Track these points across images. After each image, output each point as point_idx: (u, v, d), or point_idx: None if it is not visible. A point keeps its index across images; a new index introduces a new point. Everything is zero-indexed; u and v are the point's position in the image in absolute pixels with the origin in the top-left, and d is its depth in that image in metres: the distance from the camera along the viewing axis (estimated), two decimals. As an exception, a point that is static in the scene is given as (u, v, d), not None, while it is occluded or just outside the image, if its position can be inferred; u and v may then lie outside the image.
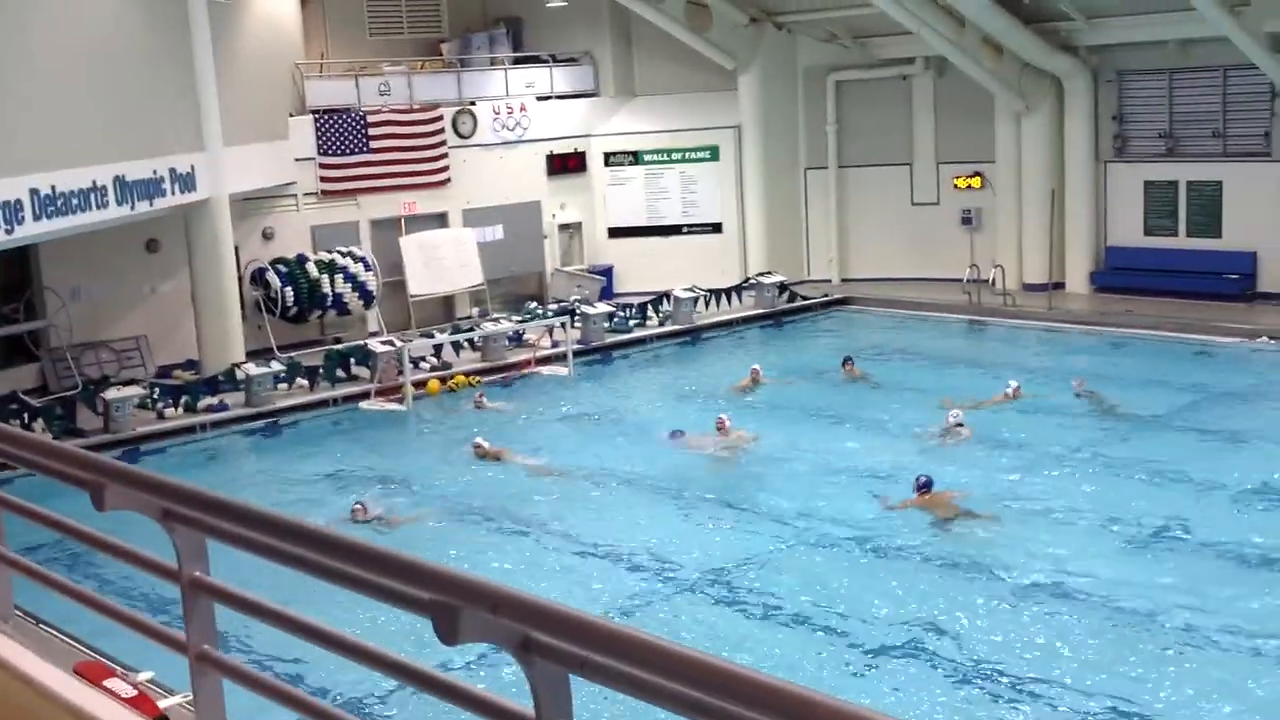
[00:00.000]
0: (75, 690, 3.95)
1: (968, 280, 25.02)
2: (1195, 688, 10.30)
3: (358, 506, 15.22)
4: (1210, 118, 24.35)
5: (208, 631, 3.70)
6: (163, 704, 8.12)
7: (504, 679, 9.45)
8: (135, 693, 8.22)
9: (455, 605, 2.75)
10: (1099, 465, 15.94)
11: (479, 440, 17.71)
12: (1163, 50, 24.17)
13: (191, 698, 3.88)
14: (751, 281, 26.39)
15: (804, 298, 26.47)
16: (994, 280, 25.14)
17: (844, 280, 28.01)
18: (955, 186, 27.19)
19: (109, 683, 8.05)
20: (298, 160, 24.47)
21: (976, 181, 26.89)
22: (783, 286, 26.19)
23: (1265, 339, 21.31)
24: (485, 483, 16.70)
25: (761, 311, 25.79)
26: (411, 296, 25.77)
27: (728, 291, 25.82)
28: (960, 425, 17.14)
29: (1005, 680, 10.57)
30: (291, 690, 3.62)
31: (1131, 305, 23.75)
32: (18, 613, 10.09)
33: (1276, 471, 15.14)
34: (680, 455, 17.33)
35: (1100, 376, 19.59)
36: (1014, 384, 18.77)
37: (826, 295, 26.89)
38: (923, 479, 14.74)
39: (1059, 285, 25.30)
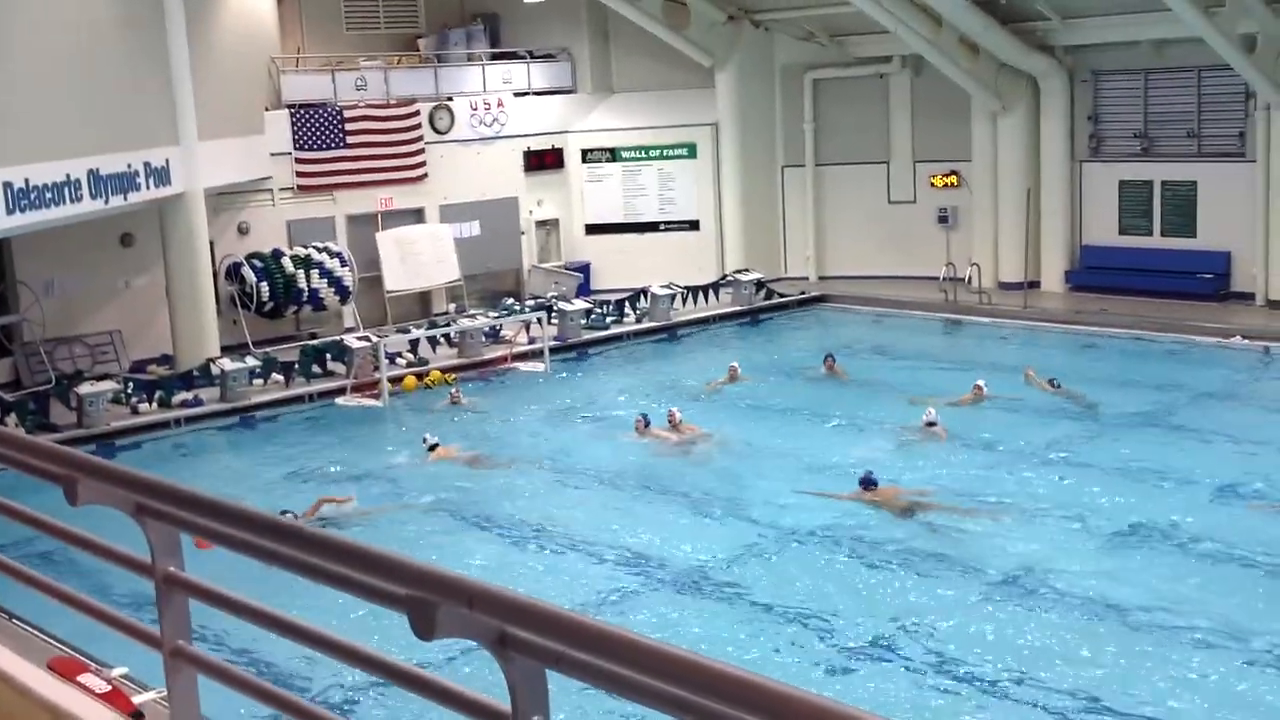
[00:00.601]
0: (49, 686, 3.92)
1: (944, 278, 25.11)
2: (1165, 683, 10.36)
3: (286, 514, 14.70)
4: (1185, 118, 24.50)
5: (182, 627, 3.68)
6: (137, 700, 8.08)
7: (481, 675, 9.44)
8: (109, 688, 8.17)
9: (431, 601, 2.74)
10: (1072, 463, 16.03)
11: (429, 437, 17.56)
12: (1138, 50, 24.29)
13: (166, 694, 3.86)
14: (729, 279, 26.41)
15: (781, 295, 26.51)
16: (970, 278, 25.23)
17: (821, 278, 28.07)
18: (932, 185, 27.28)
19: (82, 678, 8.00)
20: (273, 155, 24.37)
21: (953, 180, 27.00)
22: (760, 284, 26.22)
23: (1238, 338, 21.44)
24: (455, 479, 16.66)
25: (739, 309, 25.82)
26: (388, 292, 25.70)
27: (705, 289, 25.83)
28: (934, 424, 17.19)
29: (979, 677, 10.61)
30: (267, 685, 3.60)
31: (1106, 304, 23.87)
32: (-11, 608, 10.03)
33: (1249, 469, 15.25)
34: (652, 452, 17.35)
35: (1075, 375, 19.69)
36: (980, 383, 18.84)
37: (803, 293, 26.94)
38: (870, 475, 14.85)
39: (1034, 284, 25.39)
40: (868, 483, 14.73)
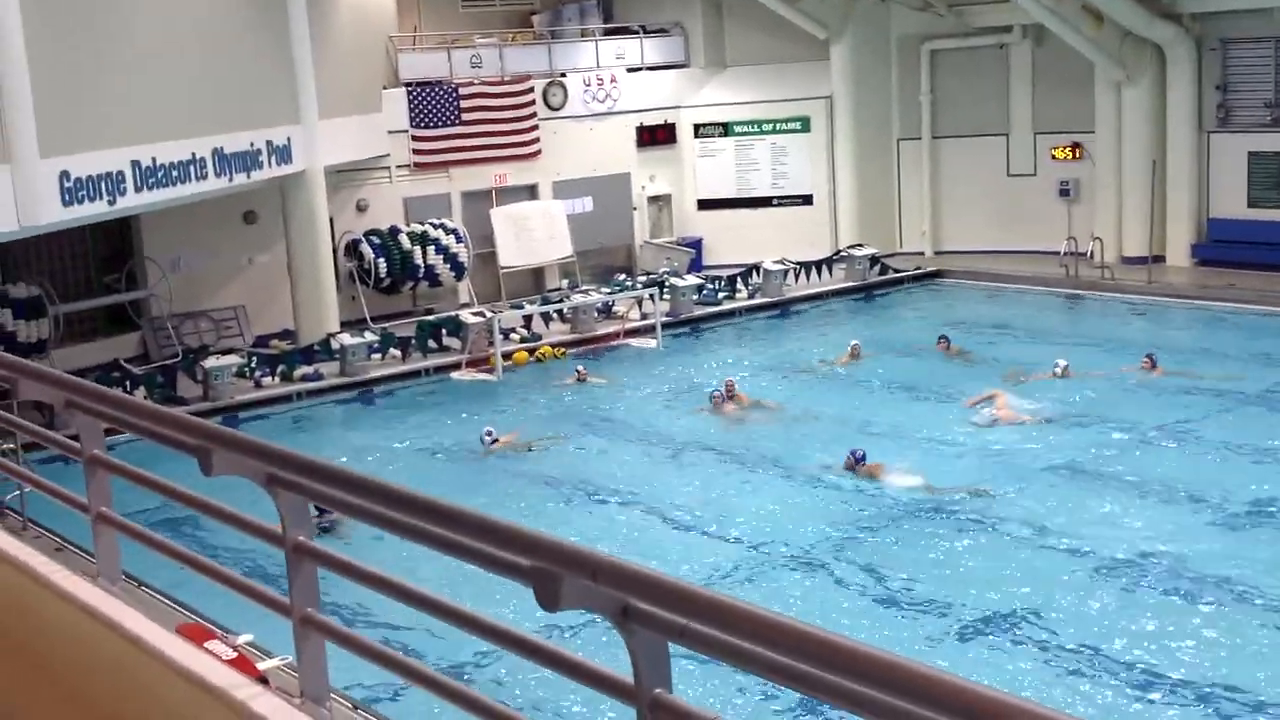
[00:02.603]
0: (181, 651, 4.03)
1: (1065, 253, 24.55)
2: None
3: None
4: (1319, 87, 23.66)
5: (311, 595, 3.76)
6: (262, 666, 8.30)
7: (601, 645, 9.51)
8: (235, 655, 8.41)
9: (556, 572, 2.76)
10: (1195, 441, 15.66)
11: (490, 430, 17.16)
12: (1268, 18, 23.50)
13: (290, 661, 3.95)
14: (843, 254, 26.17)
15: (896, 271, 26.18)
16: (1092, 253, 24.65)
17: (937, 253, 27.63)
18: (1053, 157, 26.68)
19: (210, 645, 8.24)
20: (391, 133, 24.67)
21: (1075, 152, 26.38)
22: (874, 259, 25.92)
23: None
24: (570, 454, 16.81)
25: (852, 285, 25.56)
26: (502, 268, 25.92)
27: (818, 264, 25.63)
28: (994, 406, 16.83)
29: (1086, 657, 10.45)
30: (393, 654, 3.67)
31: (1234, 280, 23.17)
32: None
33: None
34: (758, 428, 17.34)
35: (1201, 352, 19.24)
36: (1063, 362, 18.57)
37: (919, 268, 26.57)
38: (859, 452, 15.05)
39: (1159, 259, 24.75)
40: (856, 460, 15.00)
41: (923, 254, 27.61)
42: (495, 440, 17.03)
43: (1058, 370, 18.44)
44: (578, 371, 20.36)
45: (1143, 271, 24.00)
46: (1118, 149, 25.40)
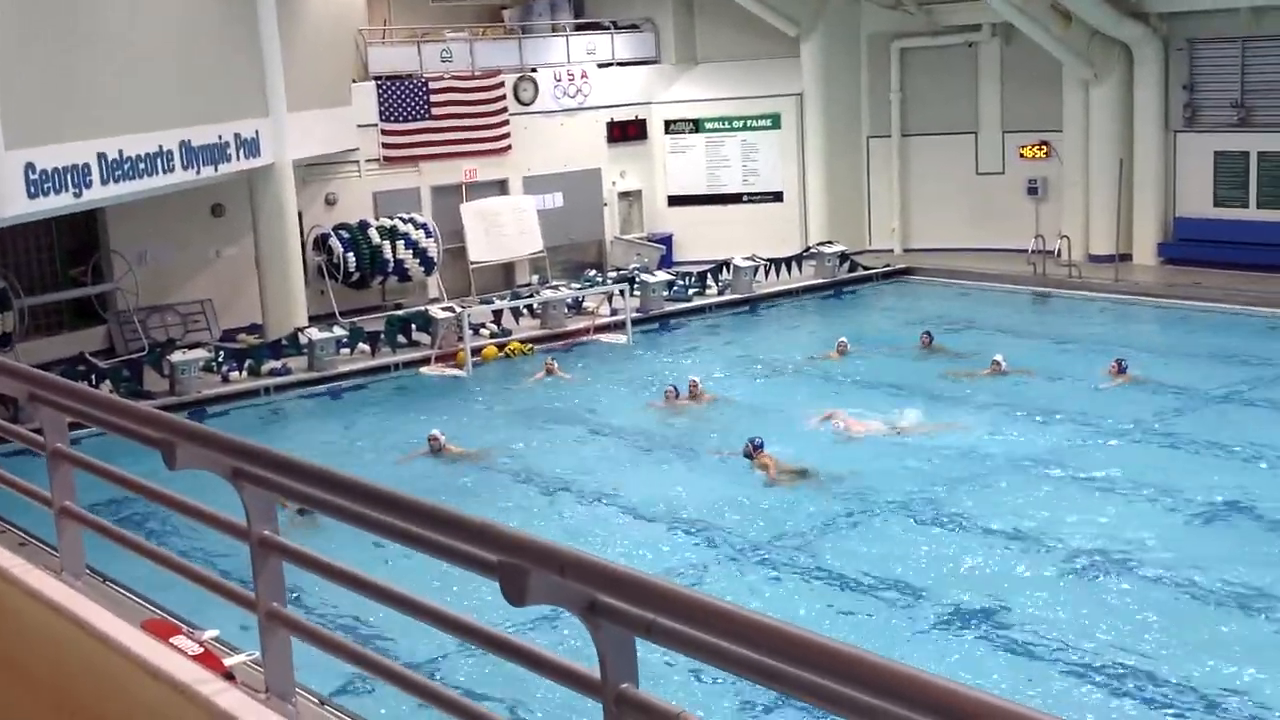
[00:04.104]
0: (147, 647, 4.01)
1: (1033, 251, 24.70)
2: (1252, 664, 10.19)
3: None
4: (1284, 87, 23.85)
5: (276, 590, 3.74)
6: (228, 661, 8.26)
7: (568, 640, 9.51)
8: (201, 650, 8.36)
9: (523, 567, 2.76)
10: (1161, 440, 15.77)
11: (436, 434, 16.65)
12: (1234, 18, 23.67)
13: (256, 657, 3.93)
14: (812, 251, 26.23)
15: (865, 268, 26.27)
16: (1059, 251, 24.79)
17: (906, 250, 27.74)
18: (1021, 156, 26.82)
19: (176, 640, 8.18)
20: (360, 127, 24.55)
21: (1043, 151, 26.53)
22: (844, 256, 26.00)
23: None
24: (543, 449, 16.79)
25: (822, 281, 25.63)
26: (472, 263, 25.86)
27: (788, 261, 25.67)
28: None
29: (1049, 655, 10.51)
30: (359, 648, 3.66)
31: (1200, 278, 23.36)
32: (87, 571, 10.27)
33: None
34: (724, 423, 17.38)
35: (1166, 350, 19.37)
36: (999, 357, 18.72)
37: (888, 265, 26.66)
38: (757, 440, 15.31)
39: (1126, 257, 24.92)
40: (753, 449, 15.28)
41: (892, 251, 27.71)
42: (441, 447, 16.51)
43: (994, 367, 18.58)
44: (546, 364, 20.34)
45: (1109, 270, 24.16)
46: (1085, 148, 25.56)
